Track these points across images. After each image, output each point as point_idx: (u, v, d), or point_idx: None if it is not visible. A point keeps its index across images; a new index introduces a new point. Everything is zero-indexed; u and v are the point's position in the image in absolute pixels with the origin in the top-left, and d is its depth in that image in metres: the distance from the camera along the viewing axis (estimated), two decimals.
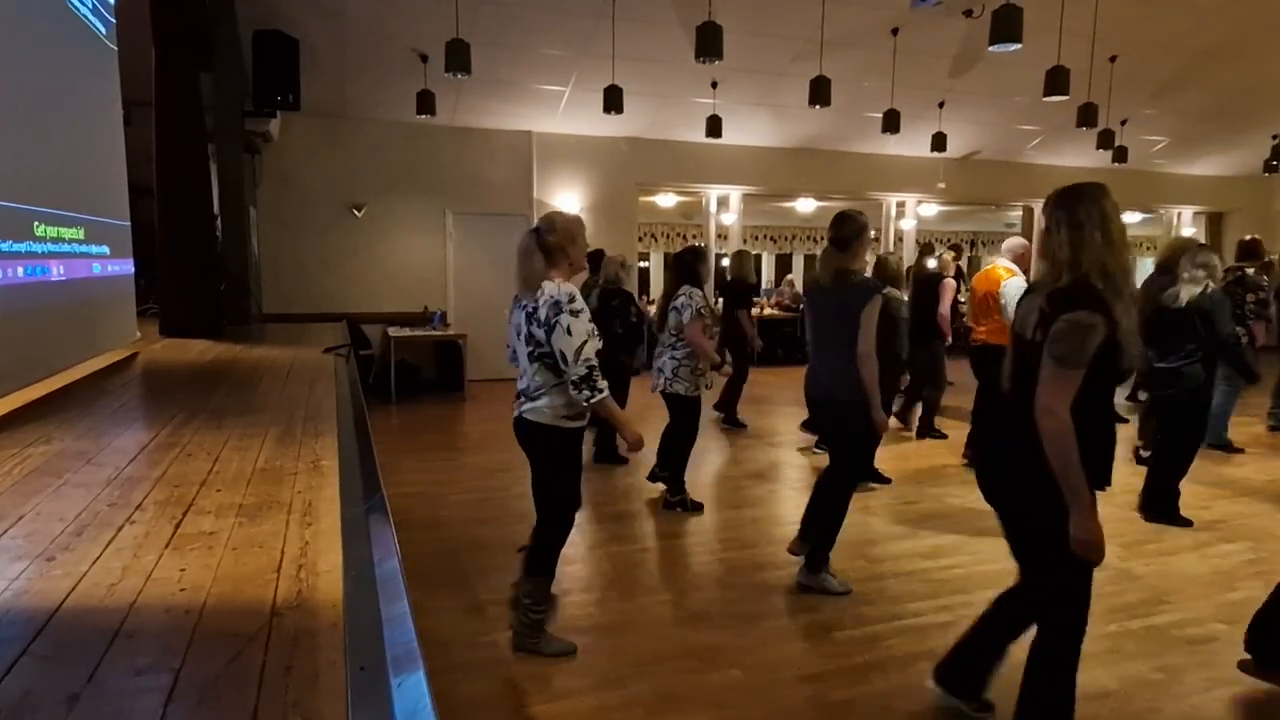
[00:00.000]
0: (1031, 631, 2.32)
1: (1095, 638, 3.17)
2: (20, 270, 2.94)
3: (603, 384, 2.80)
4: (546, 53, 7.67)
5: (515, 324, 2.97)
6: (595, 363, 2.79)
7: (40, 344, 3.14)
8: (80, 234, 3.62)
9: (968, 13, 7.00)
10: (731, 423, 7.10)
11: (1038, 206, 12.13)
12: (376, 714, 1.06)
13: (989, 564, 3.94)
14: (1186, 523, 4.48)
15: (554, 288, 2.81)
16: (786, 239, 15.17)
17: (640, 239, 11.87)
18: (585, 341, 2.77)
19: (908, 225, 11.71)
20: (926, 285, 6.61)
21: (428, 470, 5.64)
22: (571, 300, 2.79)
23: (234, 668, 1.16)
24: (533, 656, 2.95)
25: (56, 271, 3.30)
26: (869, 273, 4.70)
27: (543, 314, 2.78)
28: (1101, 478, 2.14)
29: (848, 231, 3.53)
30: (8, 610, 1.35)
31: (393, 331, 8.54)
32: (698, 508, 4.75)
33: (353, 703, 1.06)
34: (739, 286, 7.24)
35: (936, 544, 4.20)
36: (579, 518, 3.16)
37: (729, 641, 3.13)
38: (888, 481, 5.32)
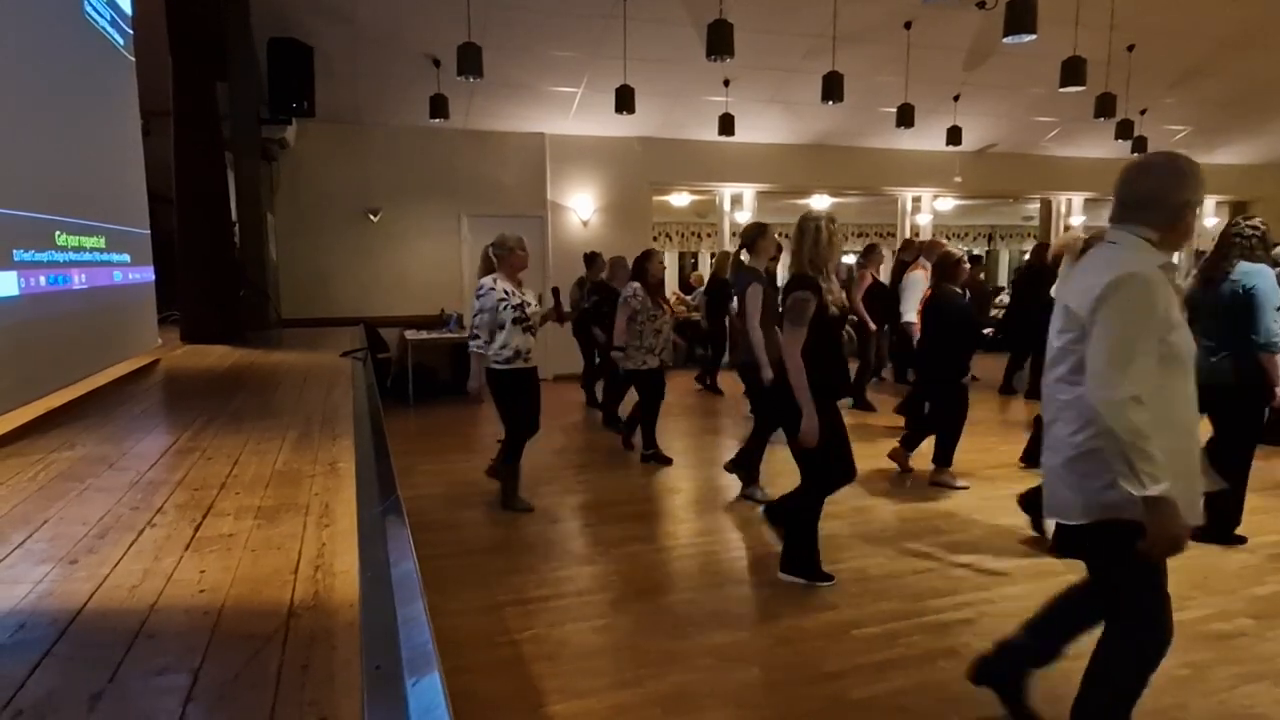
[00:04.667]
0: None
1: None
2: (43, 279, 2.98)
3: (477, 343, 4.48)
4: (558, 54, 7.69)
5: None
6: (478, 327, 4.48)
7: (63, 352, 3.19)
8: (101, 243, 3.67)
9: (981, 4, 6.93)
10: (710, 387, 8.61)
11: (1056, 199, 12.02)
12: (392, 713, 1.07)
13: (1006, 560, 3.90)
14: None
15: (481, 280, 4.54)
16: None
17: (655, 239, 11.86)
18: (477, 314, 4.48)
19: (924, 220, 11.62)
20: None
21: (445, 472, 5.67)
22: (481, 288, 4.50)
23: (252, 667, 1.18)
24: (553, 657, 2.98)
25: (78, 280, 3.35)
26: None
27: None
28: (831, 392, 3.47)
29: (750, 234, 4.91)
30: (32, 612, 1.37)
31: (410, 334, 8.59)
32: (667, 460, 5.77)
33: (368, 702, 1.07)
34: (720, 286, 8.10)
35: (955, 540, 4.17)
36: (594, 519, 4.59)
37: (747, 640, 3.12)
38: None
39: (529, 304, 4.57)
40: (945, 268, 5.16)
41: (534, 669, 2.89)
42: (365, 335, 6.86)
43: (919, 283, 6.36)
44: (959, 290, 5.20)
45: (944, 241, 6.42)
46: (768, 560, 3.95)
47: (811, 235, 3.38)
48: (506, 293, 4.48)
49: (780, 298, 3.64)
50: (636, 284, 5.78)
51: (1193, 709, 2.63)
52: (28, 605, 1.39)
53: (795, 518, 3.63)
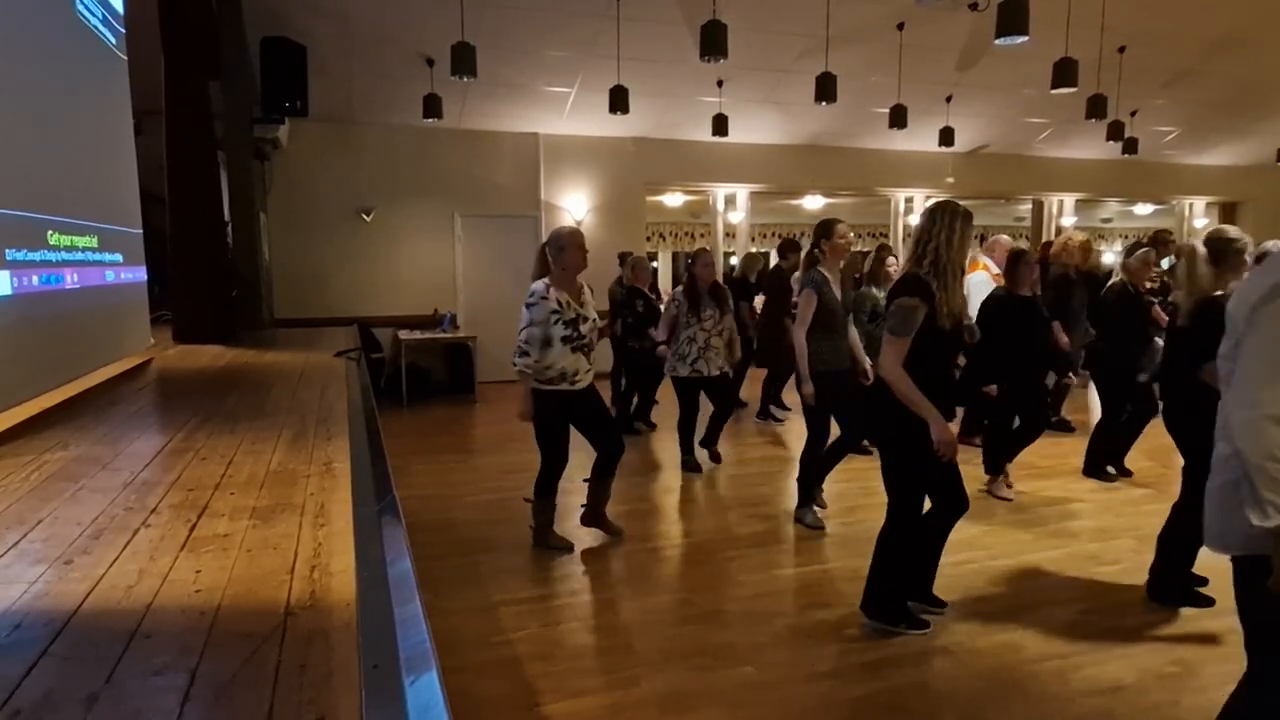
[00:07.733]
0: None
1: (1111, 630, 3.17)
2: (35, 279, 2.97)
3: (525, 360, 3.73)
4: (552, 54, 7.68)
5: None
6: (527, 341, 3.72)
7: (56, 352, 3.18)
8: (94, 242, 3.66)
9: (973, 6, 6.97)
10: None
11: (1048, 199, 12.07)
12: (390, 711, 1.07)
13: (1002, 559, 3.93)
14: (1113, 476, 5.25)
15: (534, 285, 3.78)
16: (795, 236, 15.15)
17: (648, 238, 11.88)
18: (526, 326, 3.74)
19: (916, 220, 11.66)
20: None
21: (440, 472, 5.67)
22: (532, 295, 3.74)
23: (249, 667, 1.18)
24: (549, 656, 2.99)
25: (70, 279, 3.34)
26: None
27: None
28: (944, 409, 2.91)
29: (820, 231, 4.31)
30: (28, 613, 1.37)
31: (403, 335, 8.58)
32: (697, 468, 5.58)
33: (366, 701, 1.07)
34: (740, 284, 7.89)
35: (951, 538, 4.17)
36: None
37: (741, 639, 3.13)
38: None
39: (586, 318, 3.85)
40: (1006, 268, 4.88)
41: (529, 668, 2.89)
42: (359, 335, 6.84)
43: (981, 283, 5.77)
44: (1024, 293, 4.79)
45: (1006, 239, 5.89)
46: (761, 561, 3.96)
47: (944, 228, 2.81)
48: (560, 305, 3.74)
49: (885, 302, 3.07)
50: (679, 289, 5.49)
51: (1183, 705, 2.66)
52: (23, 605, 1.39)
53: (887, 554, 3.15)
